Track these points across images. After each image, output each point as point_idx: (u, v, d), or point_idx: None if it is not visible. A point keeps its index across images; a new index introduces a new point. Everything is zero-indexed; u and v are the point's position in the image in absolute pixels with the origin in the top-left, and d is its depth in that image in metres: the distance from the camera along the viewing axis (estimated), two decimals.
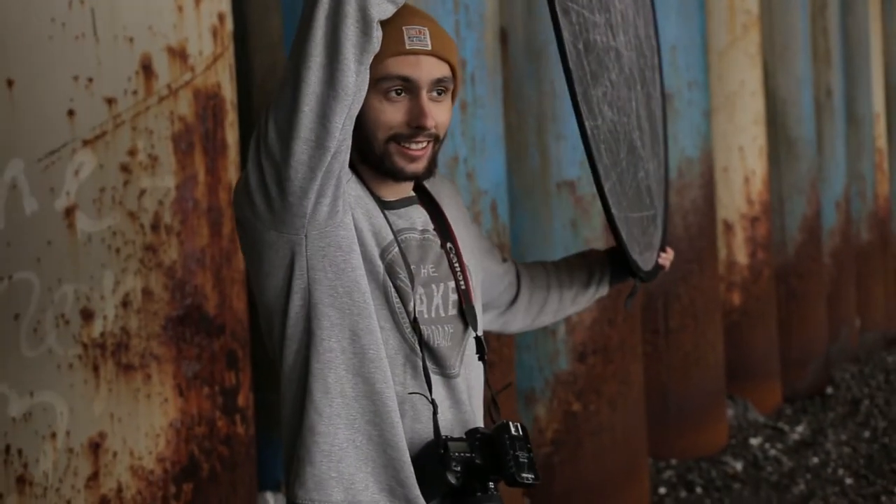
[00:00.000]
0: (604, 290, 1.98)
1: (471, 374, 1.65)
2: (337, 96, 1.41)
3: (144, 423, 2.24)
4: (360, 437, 1.53)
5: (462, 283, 1.64)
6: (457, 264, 1.64)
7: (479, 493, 1.54)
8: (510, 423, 1.55)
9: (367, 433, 1.53)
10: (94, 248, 2.17)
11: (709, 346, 4.83)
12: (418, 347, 1.56)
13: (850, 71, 7.48)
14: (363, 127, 1.55)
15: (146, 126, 2.24)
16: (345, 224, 1.51)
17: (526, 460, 1.53)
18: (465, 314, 1.63)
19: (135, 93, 2.22)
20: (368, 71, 1.44)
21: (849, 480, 4.58)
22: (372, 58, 1.44)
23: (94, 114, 2.17)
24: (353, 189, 1.56)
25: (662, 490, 4.43)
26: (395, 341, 1.56)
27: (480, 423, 1.65)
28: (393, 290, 1.55)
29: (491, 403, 1.64)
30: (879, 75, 8.33)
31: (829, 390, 6.28)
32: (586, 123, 1.64)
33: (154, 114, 2.25)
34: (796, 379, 6.04)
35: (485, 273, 1.81)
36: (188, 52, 2.31)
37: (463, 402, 1.62)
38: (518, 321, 1.92)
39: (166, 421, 2.27)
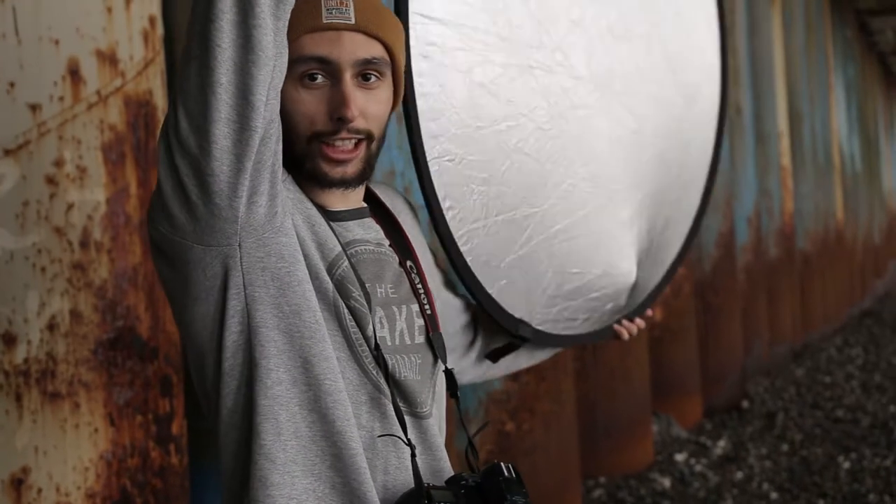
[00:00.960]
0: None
1: (442, 413, 1.42)
2: (257, 60, 1.15)
3: (72, 455, 2.06)
4: (321, 486, 1.28)
5: (427, 306, 1.39)
6: (419, 285, 1.40)
7: None
8: (502, 465, 1.31)
9: (329, 480, 1.28)
10: (17, 266, 2.00)
11: (634, 362, 4.83)
12: (384, 382, 1.31)
13: (757, 90, 7.65)
14: (284, 121, 1.29)
15: (73, 135, 2.07)
16: (286, 229, 1.26)
17: None
18: (433, 343, 1.38)
19: (61, 99, 2.06)
20: (286, 29, 1.20)
21: (774, 495, 4.61)
22: (288, 13, 1.19)
23: (17, 121, 1.99)
24: (289, 191, 1.31)
25: None
26: (353, 374, 1.30)
27: (450, 469, 1.40)
28: (346, 311, 1.29)
29: (468, 446, 1.39)
30: (783, 95, 8.54)
31: (745, 404, 6.36)
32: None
33: (82, 122, 2.09)
34: (714, 394, 6.10)
35: (443, 305, 1.55)
36: (118, 57, 2.16)
37: (437, 446, 1.37)
38: (471, 370, 1.65)
39: (96, 453, 2.10)
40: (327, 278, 1.29)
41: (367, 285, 1.33)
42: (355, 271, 1.32)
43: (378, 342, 1.31)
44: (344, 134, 1.31)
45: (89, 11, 2.10)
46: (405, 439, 1.30)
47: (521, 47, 1.67)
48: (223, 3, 1.14)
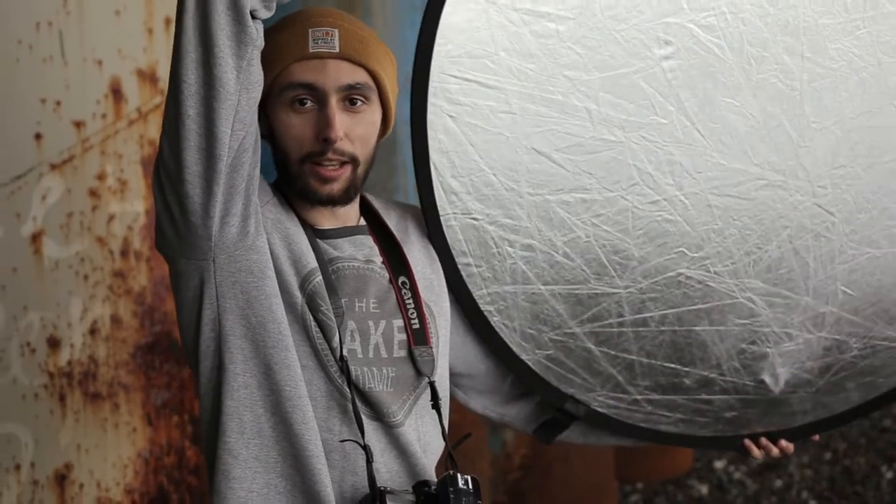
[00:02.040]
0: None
1: (427, 423, 1.47)
2: (218, 96, 1.27)
3: (112, 453, 2.19)
4: (282, 483, 1.38)
5: (416, 322, 1.45)
6: (410, 301, 1.46)
7: None
8: (458, 476, 1.36)
9: (290, 478, 1.38)
10: (62, 274, 2.13)
11: None
12: (346, 389, 1.39)
13: None
14: (276, 144, 1.43)
15: (115, 150, 2.20)
16: (257, 247, 1.38)
17: None
18: (415, 358, 1.44)
19: (104, 116, 2.18)
20: (257, 70, 1.31)
21: (813, 503, 4.61)
22: (256, 53, 1.30)
23: (63, 138, 2.13)
24: (270, 212, 1.42)
25: None
26: (318, 381, 1.40)
27: (429, 474, 1.47)
28: (313, 323, 1.40)
29: (448, 457, 1.45)
30: None
31: None
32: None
33: (123, 138, 2.21)
34: None
35: (463, 344, 1.59)
36: (158, 76, 2.28)
37: (413, 453, 1.44)
38: (520, 423, 1.67)
39: (134, 451, 2.22)
40: (298, 293, 1.40)
41: (344, 300, 1.42)
42: (330, 286, 1.41)
43: (346, 354, 1.40)
44: (330, 154, 1.41)
45: (131, 34, 2.22)
46: (361, 443, 1.38)
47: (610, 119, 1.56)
48: (189, 43, 1.27)
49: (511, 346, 1.59)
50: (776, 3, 1.55)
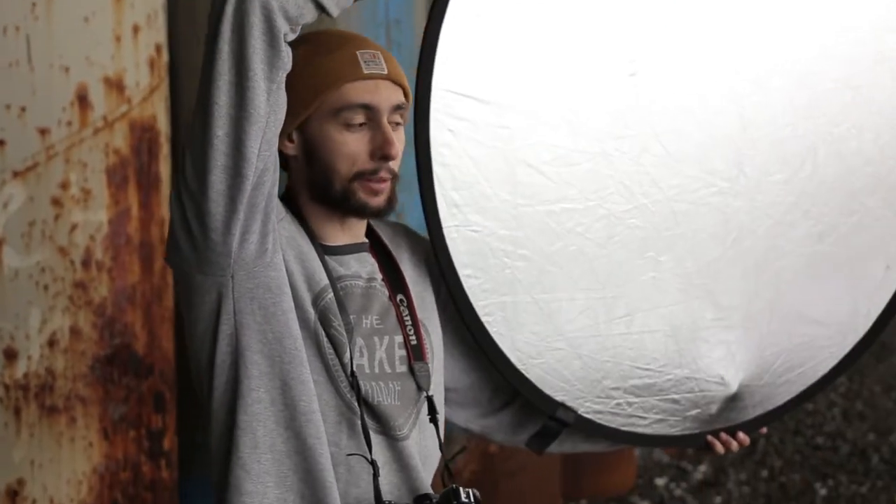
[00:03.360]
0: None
1: (427, 437, 1.52)
2: (249, 118, 1.32)
3: (67, 468, 2.14)
4: (291, 496, 1.42)
5: (413, 338, 1.51)
6: (408, 318, 1.52)
7: None
8: (461, 490, 1.41)
9: (299, 491, 1.42)
10: (21, 284, 2.08)
11: None
12: (355, 403, 1.44)
13: None
14: (320, 162, 1.46)
15: (80, 158, 2.16)
16: (275, 264, 1.41)
17: None
18: (415, 373, 1.50)
19: (69, 124, 2.14)
20: (283, 91, 1.36)
21: None
22: (283, 76, 1.34)
23: (26, 145, 2.08)
24: (285, 229, 1.46)
25: None
26: (328, 396, 1.44)
27: (427, 488, 1.51)
28: (326, 339, 1.44)
29: (444, 470, 1.51)
30: None
31: None
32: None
33: (89, 146, 2.17)
34: None
35: (449, 357, 1.63)
36: (125, 84, 2.24)
37: (413, 467, 1.49)
38: (501, 435, 1.72)
39: (90, 466, 2.18)
40: (311, 309, 1.44)
41: (352, 316, 1.47)
42: (340, 303, 1.46)
43: (355, 370, 1.45)
44: (383, 173, 1.46)
45: (99, 41, 2.19)
46: (369, 458, 1.42)
47: (595, 133, 1.66)
48: (222, 66, 1.31)
49: (508, 355, 1.64)
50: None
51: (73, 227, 2.15)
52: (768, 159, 1.78)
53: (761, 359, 1.84)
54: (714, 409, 1.80)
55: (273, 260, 1.41)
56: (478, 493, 1.42)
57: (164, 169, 2.36)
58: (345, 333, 1.44)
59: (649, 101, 1.68)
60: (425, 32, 1.51)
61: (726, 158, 1.75)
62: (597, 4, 1.64)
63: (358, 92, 1.45)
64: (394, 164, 1.48)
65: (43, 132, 2.11)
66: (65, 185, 2.14)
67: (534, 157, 1.61)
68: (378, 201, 1.47)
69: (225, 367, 1.41)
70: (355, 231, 1.53)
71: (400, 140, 1.49)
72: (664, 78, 1.69)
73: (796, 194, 1.81)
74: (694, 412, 1.79)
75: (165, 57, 2.39)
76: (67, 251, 2.14)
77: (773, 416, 1.87)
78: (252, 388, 1.40)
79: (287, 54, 1.34)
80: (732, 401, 1.81)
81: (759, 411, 1.85)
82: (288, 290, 1.42)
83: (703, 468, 5.51)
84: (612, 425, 1.74)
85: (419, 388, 1.51)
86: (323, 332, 1.44)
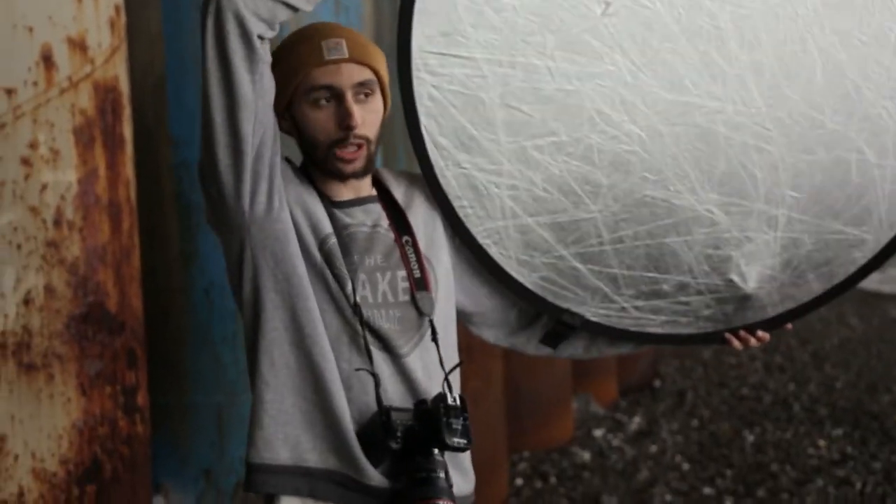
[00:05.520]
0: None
1: (433, 355, 1.78)
2: (239, 105, 1.61)
3: (47, 423, 2.17)
4: (305, 404, 1.71)
5: (417, 272, 1.77)
6: (412, 255, 1.78)
7: (419, 458, 1.67)
8: (448, 394, 1.68)
9: (312, 400, 1.71)
10: None
11: None
12: (360, 327, 1.72)
13: None
14: (305, 134, 1.76)
15: (47, 118, 2.17)
16: (281, 219, 1.71)
17: (459, 427, 1.66)
18: (417, 301, 1.76)
19: (35, 84, 2.15)
20: (268, 79, 1.64)
21: (686, 466, 4.90)
22: (265, 67, 1.62)
23: None
24: (293, 190, 1.75)
25: (519, 481, 4.60)
26: (337, 322, 1.73)
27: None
28: (330, 276, 1.73)
29: (444, 381, 1.75)
30: None
31: (657, 383, 6.67)
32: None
33: (55, 106, 2.19)
34: (629, 374, 6.38)
35: (471, 285, 1.88)
36: (88, 44, 2.26)
37: (416, 379, 1.75)
38: (532, 348, 1.94)
39: (69, 421, 2.21)
40: (316, 253, 1.74)
41: (356, 256, 1.75)
42: (343, 247, 1.75)
43: (359, 300, 1.74)
44: (351, 139, 1.74)
45: (60, 1, 2.20)
46: (370, 371, 1.71)
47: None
48: (211, 66, 1.62)
49: (510, 272, 1.85)
50: None
51: (44, 187, 2.17)
52: (760, 76, 1.79)
53: (777, 261, 1.88)
54: (728, 309, 1.91)
55: (280, 215, 1.71)
56: (463, 398, 1.69)
57: (128, 130, 2.39)
58: (345, 271, 1.72)
59: (624, 37, 1.77)
60: (401, 5, 1.72)
61: (716, 80, 1.78)
62: None
63: (321, 75, 1.72)
64: (365, 131, 1.74)
65: (9, 92, 2.12)
66: (33, 145, 2.15)
67: (515, 99, 1.77)
68: (351, 167, 1.76)
69: (250, 303, 1.73)
70: (356, 186, 1.80)
71: (372, 110, 1.75)
72: (637, 12, 1.77)
73: (798, 106, 1.79)
74: (706, 312, 1.91)
75: (124, 17, 2.41)
76: (39, 211, 2.16)
77: (796, 315, 1.93)
78: (269, 318, 1.72)
79: (263, 50, 1.61)
80: (747, 301, 1.90)
81: (779, 310, 1.92)
82: (294, 239, 1.71)
83: (637, 419, 5.70)
84: (621, 327, 1.89)
85: (420, 314, 1.77)
86: (328, 271, 1.73)
